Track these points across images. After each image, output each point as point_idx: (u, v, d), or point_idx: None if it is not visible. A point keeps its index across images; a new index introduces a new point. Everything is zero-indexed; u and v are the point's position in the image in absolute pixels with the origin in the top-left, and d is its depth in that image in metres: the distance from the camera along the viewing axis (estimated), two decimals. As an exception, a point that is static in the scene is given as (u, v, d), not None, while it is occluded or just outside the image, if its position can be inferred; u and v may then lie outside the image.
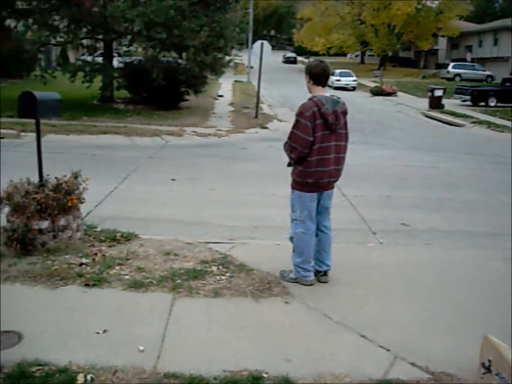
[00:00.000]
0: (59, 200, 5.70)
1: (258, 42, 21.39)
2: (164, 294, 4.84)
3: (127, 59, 23.34)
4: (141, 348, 3.90)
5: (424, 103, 30.25)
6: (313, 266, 5.35)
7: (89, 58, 22.30)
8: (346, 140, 5.17)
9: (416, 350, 4.13)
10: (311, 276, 5.29)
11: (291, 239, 5.30)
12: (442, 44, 66.61)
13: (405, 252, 6.67)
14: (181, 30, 18.67)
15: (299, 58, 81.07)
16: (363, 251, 6.60)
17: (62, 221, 5.77)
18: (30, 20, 19.38)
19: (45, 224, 5.65)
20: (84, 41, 22.57)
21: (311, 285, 5.25)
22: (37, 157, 5.97)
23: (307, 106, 4.90)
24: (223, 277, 5.27)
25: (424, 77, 54.64)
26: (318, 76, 5.02)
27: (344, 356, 3.98)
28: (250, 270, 5.46)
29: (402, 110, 29.45)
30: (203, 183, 10.23)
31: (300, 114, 4.90)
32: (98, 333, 4.10)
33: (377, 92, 38.28)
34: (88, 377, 3.43)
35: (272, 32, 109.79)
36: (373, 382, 3.66)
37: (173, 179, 10.33)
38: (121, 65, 23.32)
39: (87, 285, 4.92)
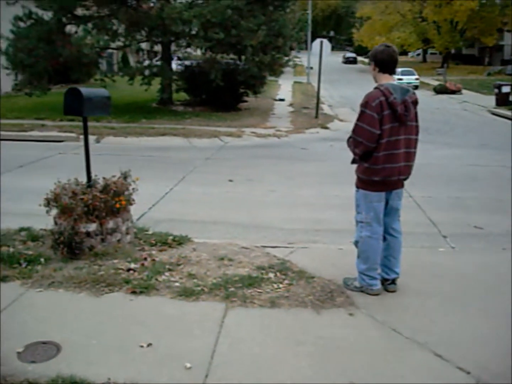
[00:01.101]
0: (107, 202, 5.40)
1: (318, 40, 20.89)
2: (216, 304, 4.43)
3: (186, 62, 23.26)
4: (188, 365, 3.51)
5: (491, 100, 28.98)
6: (380, 273, 4.84)
7: (146, 63, 22.32)
8: (417, 133, 4.64)
9: (501, 374, 3.57)
10: (378, 285, 4.78)
11: (356, 243, 4.80)
12: (508, 39, 63.98)
13: (481, 257, 6.06)
14: (238, 29, 18.36)
15: (359, 58, 79.94)
16: (433, 256, 6.02)
17: (110, 224, 5.47)
18: (90, 25, 19.53)
19: (92, 226, 5.36)
20: (143, 45, 22.59)
21: (377, 294, 4.74)
22: (84, 156, 5.70)
23: (373, 96, 4.41)
24: (280, 285, 4.82)
25: (489, 74, 52.78)
26: (385, 62, 4.52)
27: (416, 379, 3.46)
28: (310, 278, 5.00)
29: (467, 108, 28.29)
30: (262, 184, 9.84)
31: (365, 104, 4.41)
32: (142, 346, 3.74)
33: (441, 90, 37.08)
34: (126, 400, 3.07)
35: (331, 33, 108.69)
36: (453, 410, 3.16)
37: (230, 180, 9.99)
38: (179, 67, 23.26)
39: (133, 292, 4.58)
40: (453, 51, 67.29)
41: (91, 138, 14.79)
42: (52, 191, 5.46)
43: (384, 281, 4.86)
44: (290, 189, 9.55)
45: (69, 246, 5.25)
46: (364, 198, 4.62)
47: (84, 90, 5.44)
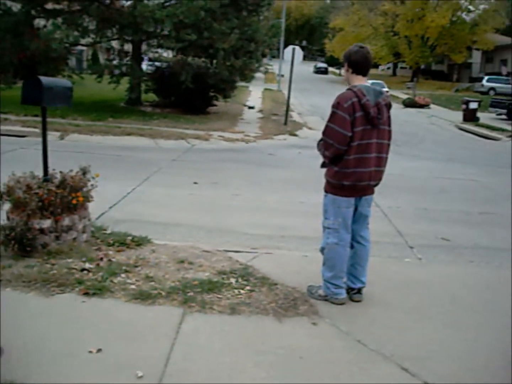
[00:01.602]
0: (63, 197, 5.11)
1: (290, 47, 20.82)
2: (173, 309, 4.19)
3: (156, 63, 22.97)
4: (139, 373, 3.26)
5: (458, 116, 29.35)
6: (345, 282, 4.67)
7: (116, 62, 21.95)
8: (389, 138, 4.49)
9: (469, 389, 3.43)
10: (343, 294, 4.60)
11: (322, 250, 4.62)
12: (476, 57, 65.17)
13: (448, 269, 5.95)
14: (211, 32, 18.18)
15: (330, 69, 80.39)
16: (400, 267, 5.89)
17: (66, 221, 5.18)
18: (60, 20, 19.11)
19: (47, 223, 5.07)
20: (114, 44, 22.20)
21: (342, 304, 4.56)
22: (42, 149, 5.42)
23: (345, 96, 4.24)
24: (242, 291, 4.60)
25: (457, 90, 53.57)
26: (359, 64, 4.37)
27: (383, 394, 3.30)
28: (273, 284, 4.79)
29: (435, 123, 28.53)
30: (227, 188, 9.62)
31: (337, 105, 4.24)
32: (90, 352, 3.48)
33: (410, 103, 37.39)
34: (67, 411, 2.81)
35: (304, 43, 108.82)
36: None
37: (195, 183, 9.75)
38: (150, 68, 22.94)
39: (86, 293, 4.30)
40: (423, 66, 68.17)
41: (55, 134, 14.53)
42: (5, 183, 5.16)
43: (349, 290, 4.69)
44: (256, 194, 9.35)
45: (21, 243, 4.94)
46: (333, 203, 4.44)
47: (44, 79, 5.16)
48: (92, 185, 5.48)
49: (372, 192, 4.60)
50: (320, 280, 4.67)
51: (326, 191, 4.52)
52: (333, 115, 4.26)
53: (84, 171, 5.52)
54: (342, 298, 4.58)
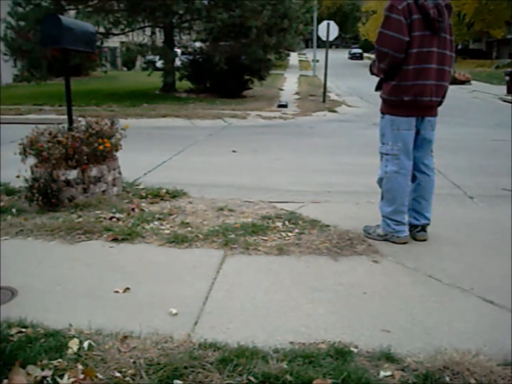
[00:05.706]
0: (89, 145, 4.67)
1: (324, 22, 20.12)
2: (213, 251, 3.70)
3: (190, 47, 22.52)
4: (174, 311, 2.78)
5: (501, 90, 28.16)
6: (407, 219, 4.10)
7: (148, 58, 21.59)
8: (452, 49, 3.89)
9: None
10: (405, 231, 4.02)
11: (380, 181, 4.04)
12: (516, 32, 63.11)
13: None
14: (242, 10, 17.61)
15: (365, 54, 78.97)
16: (462, 210, 5.31)
17: (93, 171, 4.75)
18: (89, 9, 18.87)
19: (73, 174, 4.63)
20: (145, 40, 21.71)
21: (405, 243, 3.99)
22: (66, 98, 5.00)
23: (399, -2, 3.66)
24: (290, 234, 4.07)
25: (498, 67, 52.00)
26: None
27: (468, 326, 2.71)
28: (324, 226, 4.25)
29: (478, 96, 27.41)
30: (267, 154, 9.08)
31: (390, 7, 3.66)
32: (117, 292, 3.01)
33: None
34: (85, 343, 2.32)
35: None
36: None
37: (234, 151, 9.25)
38: (185, 60, 22.48)
39: (115, 239, 3.85)
40: (460, 45, 66.35)
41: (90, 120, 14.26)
42: (28, 136, 4.76)
43: (412, 227, 4.11)
44: (298, 158, 8.79)
45: (45, 195, 4.52)
46: (391, 125, 3.85)
47: (64, 18, 4.74)
48: (121, 134, 5.04)
49: (435, 114, 4.00)
50: (378, 221, 4.12)
51: (382, 112, 3.94)
52: (386, 20, 3.68)
53: (112, 121, 5.10)
54: (405, 236, 4.01)
